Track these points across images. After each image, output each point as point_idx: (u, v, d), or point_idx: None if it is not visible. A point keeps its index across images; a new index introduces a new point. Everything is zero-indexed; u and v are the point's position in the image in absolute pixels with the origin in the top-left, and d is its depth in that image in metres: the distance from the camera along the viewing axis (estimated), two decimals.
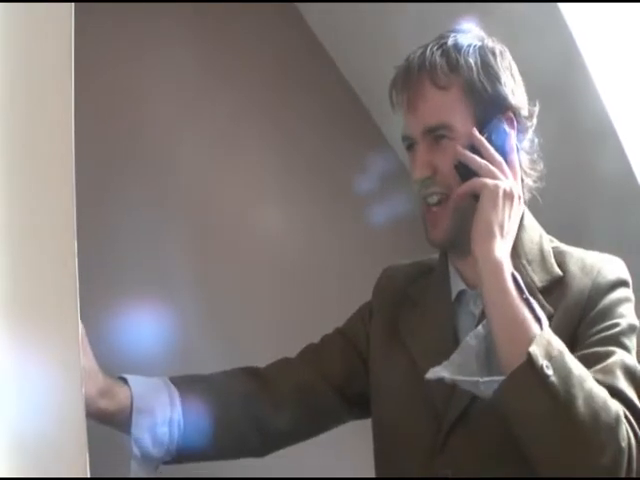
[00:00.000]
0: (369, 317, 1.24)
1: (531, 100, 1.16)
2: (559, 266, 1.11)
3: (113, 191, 1.48)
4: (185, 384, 1.16)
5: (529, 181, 1.16)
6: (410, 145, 1.14)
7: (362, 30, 1.88)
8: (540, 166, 1.17)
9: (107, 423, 1.08)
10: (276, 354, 1.25)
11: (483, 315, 1.08)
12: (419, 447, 1.10)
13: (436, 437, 1.08)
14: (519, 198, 1.09)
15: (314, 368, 1.22)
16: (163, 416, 1.11)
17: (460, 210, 1.10)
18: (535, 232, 1.15)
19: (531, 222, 1.15)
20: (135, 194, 1.53)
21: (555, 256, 1.12)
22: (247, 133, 1.80)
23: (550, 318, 1.03)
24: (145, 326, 1.42)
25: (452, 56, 1.10)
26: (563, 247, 1.15)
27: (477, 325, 1.07)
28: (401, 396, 1.14)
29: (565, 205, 1.96)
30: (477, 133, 1.10)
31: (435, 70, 1.10)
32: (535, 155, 1.17)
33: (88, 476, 0.67)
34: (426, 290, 1.20)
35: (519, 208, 1.09)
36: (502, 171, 1.08)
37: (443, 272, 1.18)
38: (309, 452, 1.76)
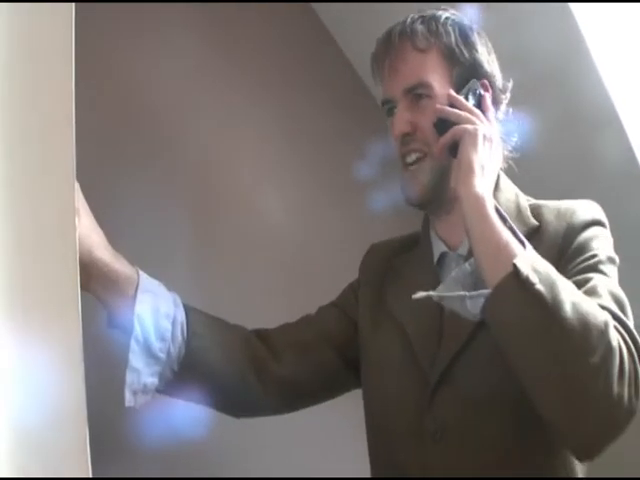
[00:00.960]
0: (358, 288, 1.27)
1: (506, 77, 1.20)
2: (535, 217, 1.14)
3: (114, 177, 1.48)
4: (188, 305, 1.17)
5: (504, 151, 1.18)
6: (390, 109, 1.17)
7: (367, 16, 1.88)
8: (515, 137, 1.19)
9: (116, 293, 1.07)
10: None
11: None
12: (407, 406, 1.13)
13: (423, 395, 1.10)
14: (498, 143, 1.12)
15: (313, 330, 1.24)
16: (167, 308, 1.11)
17: (438, 167, 1.14)
18: (511, 192, 1.18)
19: (506, 183, 1.19)
20: (137, 180, 1.53)
21: (532, 210, 1.15)
22: (252, 117, 1.80)
23: None
24: None
25: (432, 24, 1.15)
26: (540, 202, 1.18)
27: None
28: (389, 360, 1.17)
29: (566, 190, 1.96)
30: (454, 93, 1.13)
31: (416, 34, 1.14)
32: (510, 125, 1.20)
33: (90, 476, 0.67)
34: (410, 260, 1.23)
35: (498, 151, 1.13)
36: (480, 119, 1.11)
37: (425, 238, 1.21)
38: (309, 452, 1.78)
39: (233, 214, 1.75)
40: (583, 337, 0.93)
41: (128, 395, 1.07)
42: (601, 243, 1.10)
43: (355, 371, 1.24)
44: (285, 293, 1.78)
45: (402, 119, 1.14)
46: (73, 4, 0.70)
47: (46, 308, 0.66)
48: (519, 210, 1.14)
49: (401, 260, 1.24)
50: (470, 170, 1.06)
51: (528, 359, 0.97)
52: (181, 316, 1.13)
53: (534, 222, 1.13)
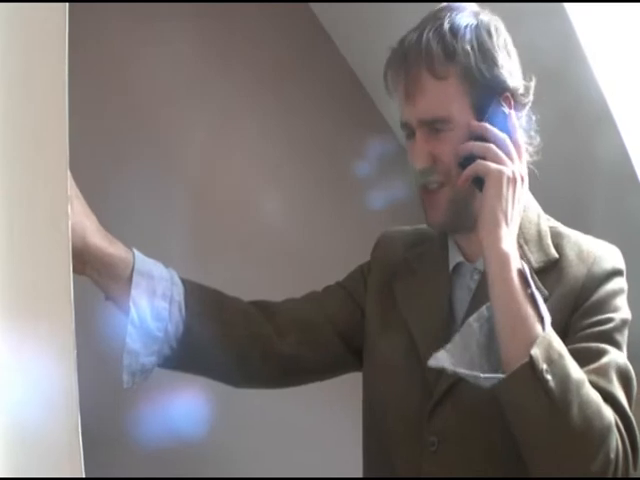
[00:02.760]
0: (368, 274, 1.26)
1: (526, 75, 1.15)
2: (555, 248, 1.12)
3: (113, 176, 1.49)
4: (187, 280, 1.16)
5: (527, 156, 1.14)
6: (408, 134, 1.13)
7: (365, 17, 1.89)
8: (537, 140, 1.16)
9: (111, 277, 1.07)
10: None
11: (479, 289, 1.11)
12: (408, 413, 1.12)
13: (425, 405, 1.10)
14: (522, 180, 1.08)
15: (317, 308, 1.23)
16: (163, 288, 1.10)
17: (459, 195, 1.11)
18: (533, 212, 1.16)
19: (529, 202, 1.16)
20: (136, 181, 1.53)
21: (552, 237, 1.13)
22: (250, 115, 1.81)
23: (545, 301, 1.03)
24: None
25: (449, 42, 1.08)
26: (560, 228, 1.16)
27: (472, 299, 1.11)
28: (394, 363, 1.16)
29: (562, 191, 1.97)
30: (476, 122, 1.08)
31: (432, 59, 1.07)
32: (532, 131, 1.16)
33: (83, 476, 0.65)
34: (424, 258, 1.21)
35: (522, 191, 1.09)
36: (508, 152, 1.07)
37: (442, 243, 1.20)
38: (307, 452, 1.79)
39: (231, 212, 1.76)
40: (585, 443, 0.97)
41: (126, 377, 1.06)
42: (619, 301, 1.09)
43: (358, 358, 1.23)
44: (283, 290, 1.79)
45: (422, 152, 1.09)
46: (67, 4, 0.69)
47: (37, 301, 0.64)
48: (540, 236, 1.13)
49: (415, 255, 1.22)
50: (494, 222, 1.03)
51: (530, 440, 1.00)
52: (179, 294, 1.12)
53: (554, 254, 1.11)
